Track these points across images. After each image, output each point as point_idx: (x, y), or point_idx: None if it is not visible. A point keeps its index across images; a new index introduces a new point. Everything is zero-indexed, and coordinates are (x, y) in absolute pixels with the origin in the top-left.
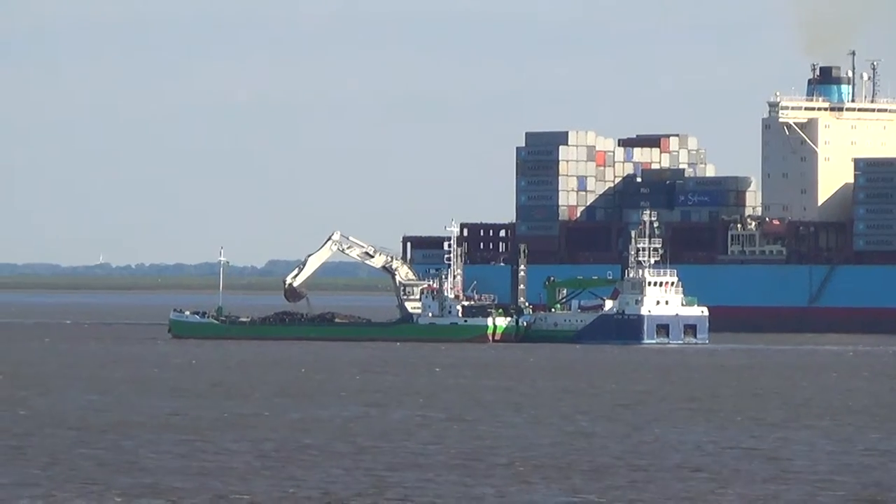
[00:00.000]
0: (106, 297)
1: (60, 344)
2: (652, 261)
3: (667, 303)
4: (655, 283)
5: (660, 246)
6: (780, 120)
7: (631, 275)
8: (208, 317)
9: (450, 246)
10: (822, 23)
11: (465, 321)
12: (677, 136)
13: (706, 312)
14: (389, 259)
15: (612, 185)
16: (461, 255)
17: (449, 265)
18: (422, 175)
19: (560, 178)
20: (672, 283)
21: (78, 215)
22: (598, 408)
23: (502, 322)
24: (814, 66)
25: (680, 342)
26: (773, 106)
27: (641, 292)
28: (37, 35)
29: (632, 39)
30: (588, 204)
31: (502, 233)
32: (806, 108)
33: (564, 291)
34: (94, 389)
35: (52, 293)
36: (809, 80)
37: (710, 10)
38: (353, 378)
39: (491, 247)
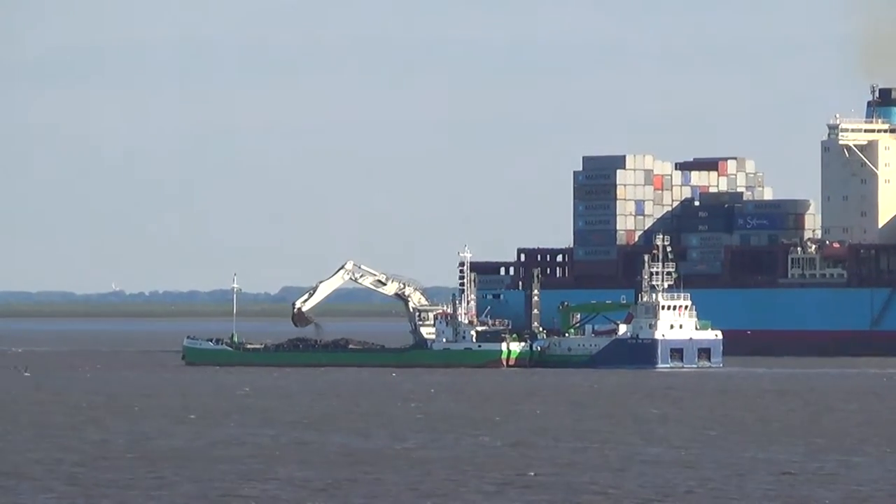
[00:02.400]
0: (120, 324)
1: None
2: (665, 285)
3: (681, 327)
4: (669, 307)
5: (673, 270)
6: (840, 142)
7: (644, 299)
8: (222, 344)
9: (462, 273)
10: (880, 44)
11: (479, 346)
12: (735, 159)
13: (720, 336)
14: (402, 286)
15: (669, 208)
16: (475, 281)
17: (463, 291)
18: (479, 200)
19: (618, 202)
20: (686, 307)
21: (91, 243)
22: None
23: (516, 347)
24: (873, 87)
25: (694, 366)
26: (833, 128)
27: (655, 316)
28: (48, 60)
29: (687, 62)
30: (646, 228)
31: (560, 258)
32: (866, 130)
33: (578, 316)
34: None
35: (67, 321)
36: (869, 102)
37: (766, 32)
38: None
39: (548, 272)
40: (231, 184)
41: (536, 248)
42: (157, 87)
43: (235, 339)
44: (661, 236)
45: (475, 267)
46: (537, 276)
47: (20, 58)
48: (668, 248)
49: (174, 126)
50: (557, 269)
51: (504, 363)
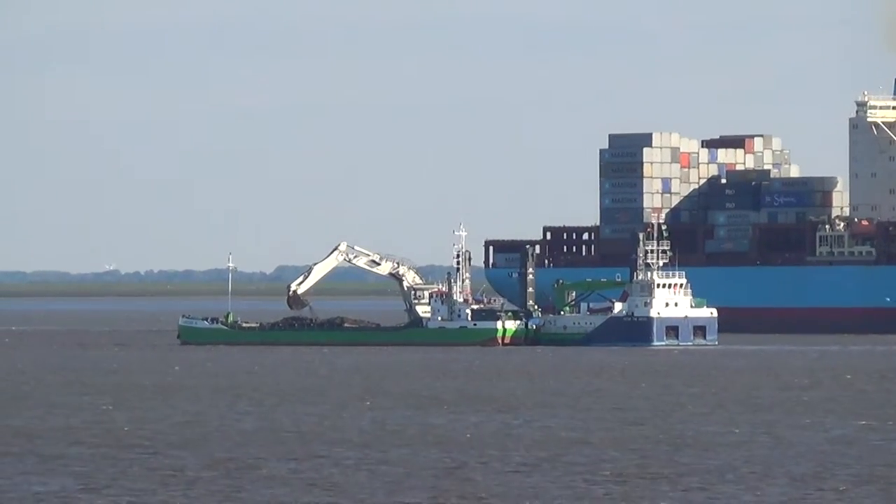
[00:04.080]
0: (115, 303)
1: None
2: (660, 263)
3: (676, 304)
4: (664, 285)
5: (668, 248)
6: (868, 119)
7: (640, 277)
8: (218, 322)
9: (457, 255)
10: None
11: (475, 325)
12: (761, 136)
13: (715, 314)
14: (396, 265)
15: (696, 186)
16: (468, 259)
17: (458, 269)
18: (504, 178)
19: (644, 179)
20: (681, 285)
21: (86, 222)
22: None
23: (512, 325)
24: None
25: (689, 344)
26: (861, 105)
27: (650, 294)
28: (43, 40)
29: (714, 40)
30: (673, 206)
31: (586, 236)
32: (894, 108)
33: (574, 294)
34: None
35: (62, 300)
36: None
37: (793, 9)
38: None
39: (574, 250)
40: (226, 163)
41: (562, 226)
42: (150, 70)
43: (231, 318)
44: (654, 215)
45: (500, 245)
46: (532, 255)
47: (16, 37)
48: (664, 227)
49: (169, 107)
50: (584, 247)
51: (500, 341)
